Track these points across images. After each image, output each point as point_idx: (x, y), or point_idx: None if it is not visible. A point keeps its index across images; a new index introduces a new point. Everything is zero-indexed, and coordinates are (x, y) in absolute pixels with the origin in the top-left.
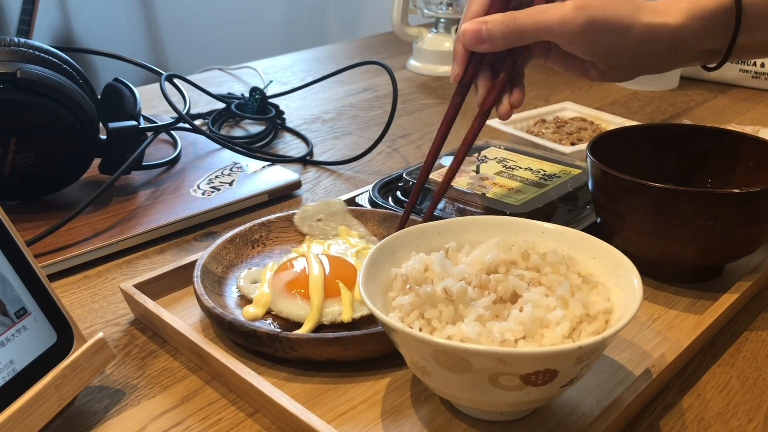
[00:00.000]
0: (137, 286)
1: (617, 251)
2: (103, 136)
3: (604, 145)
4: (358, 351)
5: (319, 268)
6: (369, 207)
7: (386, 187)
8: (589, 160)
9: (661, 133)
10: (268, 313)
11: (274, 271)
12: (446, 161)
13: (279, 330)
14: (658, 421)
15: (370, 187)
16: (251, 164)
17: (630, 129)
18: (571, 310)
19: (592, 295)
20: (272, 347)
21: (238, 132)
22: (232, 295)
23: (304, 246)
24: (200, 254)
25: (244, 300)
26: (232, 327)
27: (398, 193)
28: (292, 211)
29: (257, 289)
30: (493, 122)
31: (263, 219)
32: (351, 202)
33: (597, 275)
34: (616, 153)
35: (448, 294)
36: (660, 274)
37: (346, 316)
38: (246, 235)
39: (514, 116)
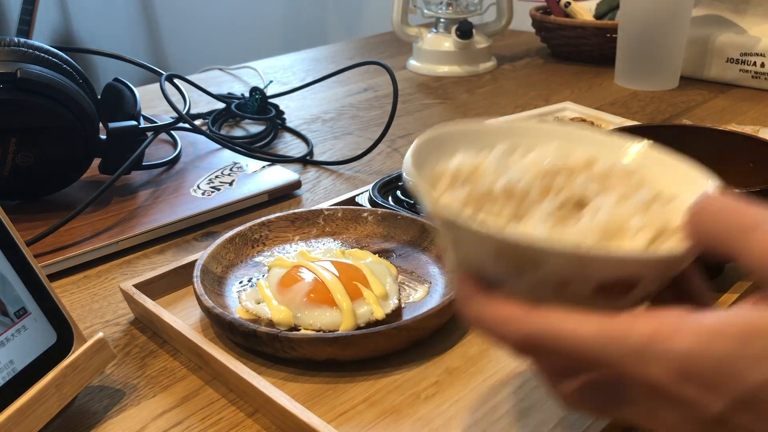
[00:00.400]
0: (137, 286)
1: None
2: (103, 136)
3: None
4: (358, 350)
5: (330, 274)
6: (369, 206)
7: (386, 187)
8: None
9: (661, 133)
10: (293, 328)
11: (278, 285)
12: None
13: (279, 330)
14: None
15: (369, 186)
16: (251, 164)
17: (630, 129)
18: (651, 218)
19: (668, 209)
20: (272, 347)
21: (238, 132)
22: (232, 295)
23: (291, 258)
24: (200, 254)
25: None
26: (232, 327)
27: (398, 193)
28: (292, 211)
29: (266, 307)
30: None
31: (263, 218)
32: (351, 201)
33: (674, 192)
34: None
35: (509, 192)
36: None
37: (379, 314)
38: (246, 235)
39: (514, 117)
